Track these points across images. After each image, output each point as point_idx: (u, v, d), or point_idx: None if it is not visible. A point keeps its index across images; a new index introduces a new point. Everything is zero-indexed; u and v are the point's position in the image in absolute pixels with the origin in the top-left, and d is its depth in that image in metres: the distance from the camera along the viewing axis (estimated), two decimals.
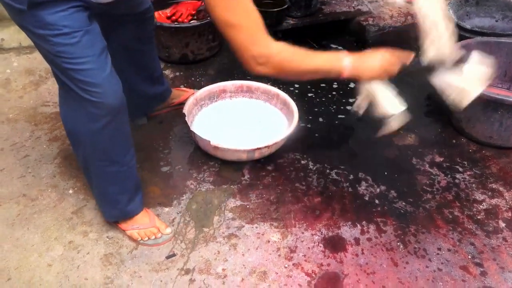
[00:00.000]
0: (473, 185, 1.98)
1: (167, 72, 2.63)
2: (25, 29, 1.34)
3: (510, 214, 1.85)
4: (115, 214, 1.72)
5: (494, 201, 1.91)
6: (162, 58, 2.62)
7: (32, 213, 1.83)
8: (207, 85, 2.24)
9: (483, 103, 2.02)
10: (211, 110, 2.24)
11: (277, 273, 1.62)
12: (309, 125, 2.29)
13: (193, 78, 2.61)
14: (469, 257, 1.69)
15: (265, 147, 1.91)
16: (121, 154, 1.59)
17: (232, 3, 1.27)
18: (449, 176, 2.02)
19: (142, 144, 2.14)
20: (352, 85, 2.59)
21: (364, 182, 1.98)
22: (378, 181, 1.99)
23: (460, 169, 2.06)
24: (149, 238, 1.71)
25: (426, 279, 1.61)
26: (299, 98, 2.38)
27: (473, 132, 2.16)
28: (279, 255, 1.68)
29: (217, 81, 2.29)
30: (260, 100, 2.27)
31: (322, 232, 1.77)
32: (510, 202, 1.90)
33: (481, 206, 1.89)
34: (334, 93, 2.52)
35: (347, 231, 1.78)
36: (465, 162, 2.09)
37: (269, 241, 1.73)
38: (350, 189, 1.95)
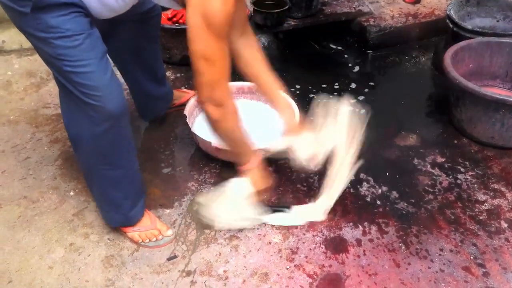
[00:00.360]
0: (475, 185, 1.97)
1: (168, 73, 2.63)
2: (25, 32, 1.34)
3: None
4: (119, 219, 1.71)
5: (496, 201, 1.90)
6: (163, 59, 2.61)
7: (33, 215, 1.83)
8: None
9: (485, 103, 2.01)
10: None
11: (278, 275, 1.62)
12: None
13: (194, 80, 2.60)
14: (471, 257, 1.68)
15: (266, 148, 1.91)
16: (124, 159, 1.58)
17: (215, 43, 1.33)
18: (450, 176, 2.02)
19: (143, 145, 2.14)
20: (353, 85, 2.59)
21: (365, 183, 1.98)
22: (380, 182, 1.99)
23: (462, 170, 2.05)
24: (150, 240, 1.71)
25: (428, 280, 1.61)
26: (300, 99, 2.38)
27: (475, 132, 2.16)
28: (281, 257, 1.68)
29: None
30: (261, 101, 2.27)
31: (323, 233, 1.77)
32: None
33: (483, 207, 1.88)
34: (335, 93, 2.52)
35: (349, 232, 1.77)
36: (467, 163, 2.09)
37: (270, 243, 1.73)
38: (351, 190, 1.94)
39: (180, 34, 2.53)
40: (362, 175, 2.01)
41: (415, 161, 2.10)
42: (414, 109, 2.43)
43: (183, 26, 2.55)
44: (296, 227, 1.78)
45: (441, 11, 3.01)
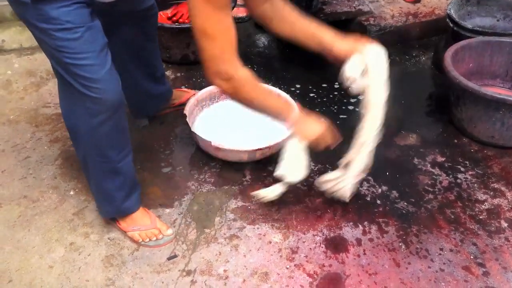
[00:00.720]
0: (475, 185, 1.97)
1: (168, 73, 2.63)
2: (27, 22, 1.34)
3: None
4: (111, 210, 1.72)
5: (496, 201, 1.90)
6: (163, 59, 2.60)
7: (33, 214, 1.83)
8: (208, 85, 2.24)
9: (485, 102, 2.01)
10: (212, 110, 2.24)
11: (278, 274, 1.62)
12: None
13: (194, 79, 2.60)
14: (471, 257, 1.68)
15: (267, 147, 1.91)
16: (118, 151, 1.59)
17: (211, 16, 1.29)
18: (451, 176, 2.02)
19: (143, 145, 2.14)
20: None
21: (365, 183, 1.98)
22: (380, 181, 1.99)
23: (462, 169, 2.05)
24: (150, 240, 1.71)
25: (428, 279, 1.61)
26: (300, 98, 2.37)
27: (475, 131, 2.15)
28: (281, 256, 1.68)
29: None
30: None
31: (323, 233, 1.77)
32: None
33: (483, 206, 1.88)
34: (335, 93, 2.52)
35: (349, 232, 1.77)
36: (467, 162, 2.09)
37: (270, 242, 1.73)
38: None
39: (180, 34, 2.53)
40: None
41: (415, 160, 2.10)
42: (414, 108, 2.42)
43: (182, 26, 2.55)
44: (296, 226, 1.78)
45: (441, 11, 3.01)
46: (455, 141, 2.21)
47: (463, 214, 1.85)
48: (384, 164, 2.07)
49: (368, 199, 1.91)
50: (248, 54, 2.78)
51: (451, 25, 2.47)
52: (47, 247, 1.71)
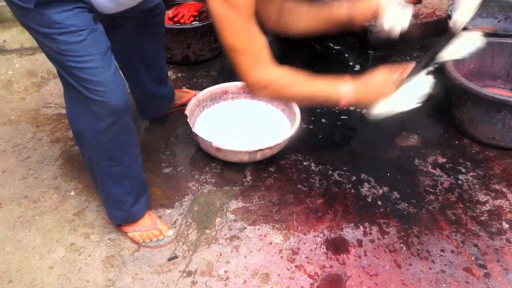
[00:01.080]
0: (476, 186, 1.97)
1: (169, 73, 2.62)
2: (29, 28, 1.34)
3: None
4: (121, 216, 1.71)
5: (497, 202, 1.90)
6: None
7: (34, 215, 1.83)
8: (209, 86, 2.24)
9: (486, 103, 2.01)
10: (213, 111, 2.24)
11: (279, 275, 1.62)
12: (311, 126, 2.29)
13: (195, 79, 2.60)
14: (473, 258, 1.68)
15: (267, 148, 1.91)
16: (126, 155, 1.58)
17: (238, 29, 1.28)
18: (452, 177, 2.02)
19: (144, 145, 2.14)
20: None
21: (366, 183, 1.98)
22: (381, 182, 1.98)
23: (463, 170, 2.05)
24: (151, 240, 1.71)
25: (430, 280, 1.60)
26: None
27: (476, 133, 2.15)
28: (282, 257, 1.68)
29: (219, 82, 2.29)
30: (262, 101, 2.27)
31: (324, 234, 1.76)
32: None
33: (484, 207, 1.88)
34: None
35: (350, 233, 1.77)
36: (468, 163, 2.08)
37: (271, 243, 1.73)
38: (352, 191, 1.94)
39: (181, 34, 2.53)
40: (363, 176, 2.01)
41: (416, 161, 2.10)
42: (415, 109, 2.41)
43: (184, 26, 2.55)
44: (297, 227, 1.78)
45: (442, 12, 3.00)
46: (456, 142, 2.21)
47: (464, 215, 1.84)
48: (385, 165, 2.07)
49: (369, 200, 1.90)
50: None
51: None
52: (47, 247, 1.71)
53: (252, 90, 1.37)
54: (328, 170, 2.04)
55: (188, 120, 2.03)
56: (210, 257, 1.68)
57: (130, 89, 2.12)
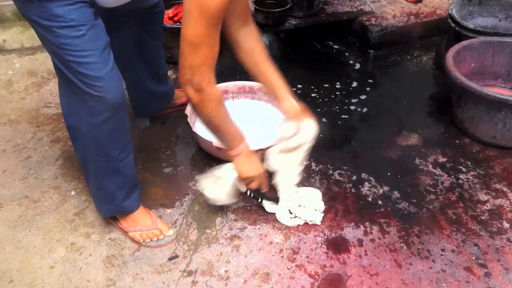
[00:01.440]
0: (477, 185, 1.97)
1: (169, 72, 2.63)
2: (31, 20, 1.35)
3: None
4: (111, 209, 1.72)
5: (498, 201, 1.90)
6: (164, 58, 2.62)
7: (34, 214, 1.83)
8: None
9: (487, 103, 2.01)
10: None
11: (280, 275, 1.62)
12: None
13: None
14: (473, 258, 1.68)
15: (268, 148, 1.90)
16: (119, 150, 1.59)
17: (205, 29, 1.32)
18: (452, 176, 2.01)
19: (144, 145, 2.14)
20: (355, 84, 2.59)
21: (367, 183, 1.98)
22: (381, 181, 1.98)
23: (464, 170, 2.05)
24: (151, 240, 1.71)
25: (430, 280, 1.60)
26: (302, 98, 2.37)
27: (477, 132, 2.15)
28: (282, 257, 1.68)
29: (219, 82, 2.26)
30: (262, 101, 2.26)
31: (325, 233, 1.76)
32: None
33: (485, 207, 1.88)
34: (337, 93, 2.51)
35: (350, 232, 1.77)
36: (469, 163, 2.08)
37: (271, 243, 1.73)
38: (353, 190, 1.94)
39: None
40: (363, 175, 2.01)
41: (417, 161, 2.09)
42: (416, 108, 2.42)
43: None
44: (297, 227, 1.78)
45: (442, 11, 3.00)
46: (457, 141, 2.21)
47: (465, 214, 1.84)
48: (385, 165, 2.07)
49: (370, 199, 1.90)
50: None
51: (453, 25, 2.46)
52: (48, 247, 1.71)
53: (184, 85, 1.43)
54: (328, 169, 2.04)
55: (188, 120, 2.03)
56: (211, 256, 1.68)
57: (128, 86, 2.12)
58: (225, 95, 2.26)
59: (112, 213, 1.74)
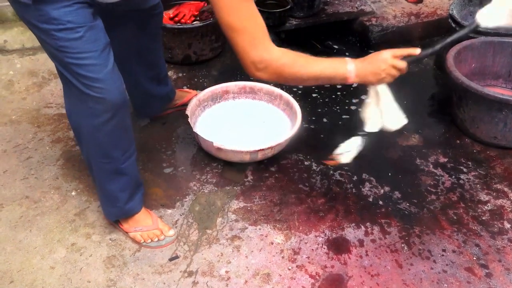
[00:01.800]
0: (478, 185, 1.97)
1: (170, 73, 2.63)
2: (29, 23, 1.35)
3: None
4: (114, 212, 1.72)
5: (499, 201, 1.90)
6: (165, 59, 2.61)
7: (35, 215, 1.83)
8: (210, 86, 2.24)
9: (488, 103, 2.01)
10: (214, 111, 2.24)
11: (280, 275, 1.61)
12: (312, 126, 2.28)
13: (196, 79, 2.60)
14: (474, 258, 1.68)
15: (268, 148, 1.90)
16: (121, 151, 1.58)
17: (236, 7, 1.28)
18: (453, 176, 2.01)
19: (145, 145, 2.13)
20: (355, 84, 2.58)
21: (368, 183, 1.97)
22: (382, 182, 1.98)
23: (465, 170, 2.05)
24: (152, 240, 1.71)
25: (431, 280, 1.60)
26: (302, 98, 2.37)
27: (477, 132, 2.15)
28: (283, 257, 1.68)
29: (220, 82, 2.28)
30: (263, 101, 2.26)
31: (325, 234, 1.76)
32: None
33: (485, 207, 1.87)
34: (338, 93, 2.51)
35: (351, 233, 1.77)
36: (470, 163, 2.08)
37: (272, 243, 1.72)
38: (353, 190, 1.94)
39: (182, 34, 2.53)
40: (364, 175, 2.00)
41: (418, 161, 2.09)
42: (417, 109, 2.42)
43: (185, 26, 2.55)
44: (298, 227, 1.78)
45: (443, 11, 3.00)
46: (458, 141, 2.20)
47: (466, 215, 1.84)
48: (386, 165, 2.07)
49: (371, 200, 1.90)
50: None
51: (453, 25, 2.46)
52: (48, 247, 1.71)
53: (251, 71, 1.36)
54: (329, 170, 2.04)
55: (189, 120, 2.03)
56: (211, 257, 1.68)
57: (128, 88, 2.12)
58: (226, 95, 2.26)
59: (116, 216, 1.73)
